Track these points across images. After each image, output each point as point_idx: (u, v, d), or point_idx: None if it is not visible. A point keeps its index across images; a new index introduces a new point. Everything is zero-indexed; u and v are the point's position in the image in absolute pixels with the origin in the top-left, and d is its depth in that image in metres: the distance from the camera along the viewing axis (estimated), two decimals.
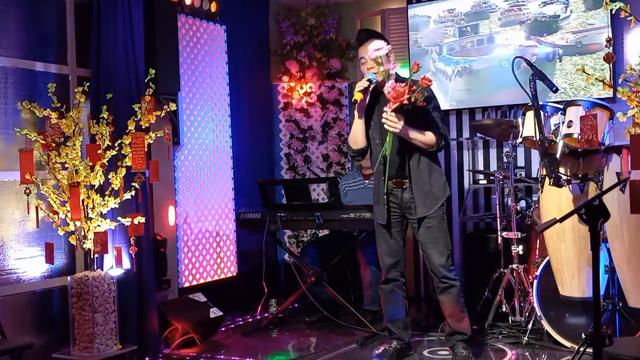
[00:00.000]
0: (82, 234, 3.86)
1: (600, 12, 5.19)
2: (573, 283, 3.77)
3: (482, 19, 5.74)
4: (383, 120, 3.66)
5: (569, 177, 3.74)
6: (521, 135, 4.07)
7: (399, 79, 3.76)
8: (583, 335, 2.90)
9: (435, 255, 3.85)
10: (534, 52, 5.49)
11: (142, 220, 3.94)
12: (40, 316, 4.15)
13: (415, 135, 3.72)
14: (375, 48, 3.68)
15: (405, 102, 3.55)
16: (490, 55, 5.72)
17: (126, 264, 4.12)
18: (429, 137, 3.76)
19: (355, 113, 3.84)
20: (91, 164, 3.83)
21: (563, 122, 3.73)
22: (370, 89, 3.77)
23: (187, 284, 5.10)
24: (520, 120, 4.12)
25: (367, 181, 5.19)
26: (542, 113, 3.75)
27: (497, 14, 5.68)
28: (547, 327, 4.07)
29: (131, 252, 3.96)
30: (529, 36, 5.56)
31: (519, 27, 5.60)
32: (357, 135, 3.90)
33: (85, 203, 3.82)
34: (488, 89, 5.69)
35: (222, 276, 5.48)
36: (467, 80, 5.78)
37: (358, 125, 3.87)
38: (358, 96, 3.69)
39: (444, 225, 3.89)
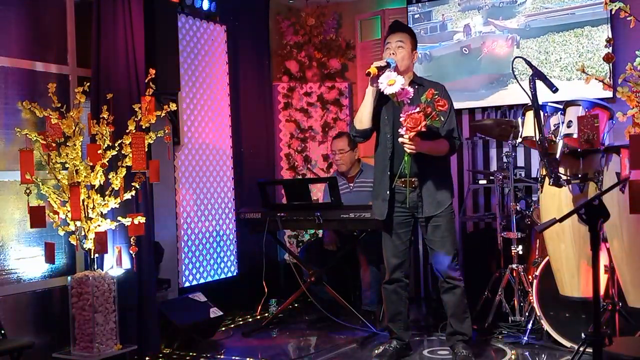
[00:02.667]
0: (82, 234, 3.86)
1: None
2: (573, 283, 3.77)
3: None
4: (400, 141, 3.62)
5: (568, 177, 3.74)
6: (521, 135, 4.07)
7: (415, 81, 3.80)
8: (583, 335, 2.90)
9: (441, 255, 3.85)
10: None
11: (142, 220, 3.94)
12: (40, 316, 4.15)
13: (431, 149, 3.74)
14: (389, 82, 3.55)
15: (423, 129, 3.50)
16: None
17: (126, 264, 4.12)
18: (443, 145, 3.80)
19: (369, 89, 3.77)
20: (91, 164, 3.83)
21: (563, 122, 3.74)
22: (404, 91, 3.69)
23: (187, 284, 5.10)
24: (520, 120, 4.13)
25: (352, 185, 5.19)
26: (542, 113, 3.75)
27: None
28: (547, 327, 4.07)
29: (131, 252, 3.96)
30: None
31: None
32: (364, 115, 3.83)
33: (85, 203, 3.82)
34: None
35: (222, 276, 5.48)
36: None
37: (367, 104, 3.81)
38: (373, 70, 3.61)
39: (452, 225, 3.89)
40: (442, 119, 3.57)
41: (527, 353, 4.09)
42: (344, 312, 4.94)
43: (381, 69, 3.64)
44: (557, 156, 3.72)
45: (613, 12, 3.23)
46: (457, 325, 3.88)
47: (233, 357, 4.28)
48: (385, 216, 3.88)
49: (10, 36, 4.11)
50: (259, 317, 5.29)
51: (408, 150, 3.61)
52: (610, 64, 3.46)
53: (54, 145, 3.80)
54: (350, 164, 5.15)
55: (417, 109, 3.47)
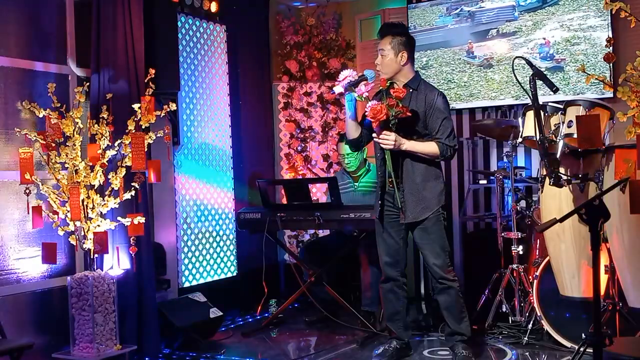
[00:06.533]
0: (82, 234, 3.86)
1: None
2: (573, 283, 3.76)
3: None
4: (375, 141, 3.71)
5: (569, 177, 3.74)
6: (521, 135, 4.07)
7: (410, 84, 3.82)
8: (583, 335, 2.90)
9: (431, 256, 3.84)
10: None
11: (142, 220, 3.93)
12: (40, 316, 4.15)
13: (415, 147, 3.73)
14: (345, 76, 3.77)
15: (384, 118, 3.56)
16: None
17: (126, 264, 4.12)
18: (431, 147, 3.75)
19: (345, 106, 3.91)
20: (91, 164, 3.83)
21: (563, 122, 3.74)
22: (365, 86, 3.75)
23: (187, 284, 5.10)
24: (520, 120, 4.12)
25: (356, 184, 5.18)
26: (542, 113, 3.75)
27: None
28: (547, 327, 4.07)
29: (131, 252, 3.96)
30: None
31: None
32: (347, 127, 3.98)
33: (85, 203, 3.82)
34: None
35: (222, 276, 5.48)
36: None
37: (347, 117, 3.93)
38: (337, 89, 3.73)
39: (440, 226, 3.85)
40: (401, 108, 3.59)
41: (527, 353, 4.09)
42: (344, 313, 4.94)
43: (353, 86, 3.76)
44: (557, 156, 3.72)
45: (613, 12, 3.22)
46: (454, 325, 3.87)
47: (233, 357, 4.28)
48: (379, 214, 3.90)
49: (10, 36, 4.11)
50: (259, 317, 5.29)
51: (383, 147, 3.68)
52: (611, 64, 3.45)
53: (53, 145, 3.80)
54: (358, 165, 5.16)
55: (378, 101, 3.59)
